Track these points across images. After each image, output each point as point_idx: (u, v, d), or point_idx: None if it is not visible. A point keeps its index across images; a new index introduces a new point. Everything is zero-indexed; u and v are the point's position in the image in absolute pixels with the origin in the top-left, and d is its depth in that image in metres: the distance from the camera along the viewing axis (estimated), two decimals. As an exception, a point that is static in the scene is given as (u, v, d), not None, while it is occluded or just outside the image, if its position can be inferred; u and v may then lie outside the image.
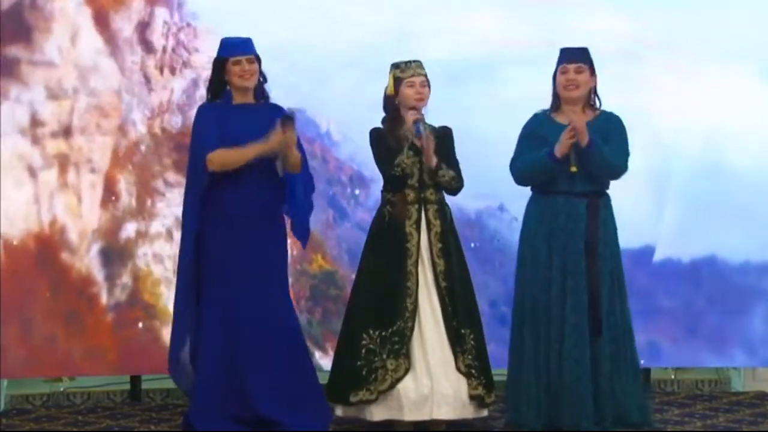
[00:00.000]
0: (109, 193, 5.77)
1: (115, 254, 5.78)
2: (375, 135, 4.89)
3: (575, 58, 4.82)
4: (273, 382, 4.73)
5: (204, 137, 4.75)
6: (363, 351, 4.73)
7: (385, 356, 4.69)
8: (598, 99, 4.91)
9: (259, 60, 4.80)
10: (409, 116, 4.76)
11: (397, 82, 4.83)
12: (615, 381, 4.81)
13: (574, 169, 4.71)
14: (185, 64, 5.83)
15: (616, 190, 5.05)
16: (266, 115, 4.75)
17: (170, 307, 5.35)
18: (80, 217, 5.75)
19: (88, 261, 5.74)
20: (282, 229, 4.90)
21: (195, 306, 4.82)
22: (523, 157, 4.85)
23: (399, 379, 4.67)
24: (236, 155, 4.67)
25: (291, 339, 4.81)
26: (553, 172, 4.76)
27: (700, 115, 5.92)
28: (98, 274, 5.75)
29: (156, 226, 5.82)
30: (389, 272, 4.79)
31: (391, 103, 4.87)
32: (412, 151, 4.77)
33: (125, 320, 5.76)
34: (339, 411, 4.86)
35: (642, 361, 5.22)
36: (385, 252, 4.83)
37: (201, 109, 4.88)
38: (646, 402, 5.06)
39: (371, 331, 4.74)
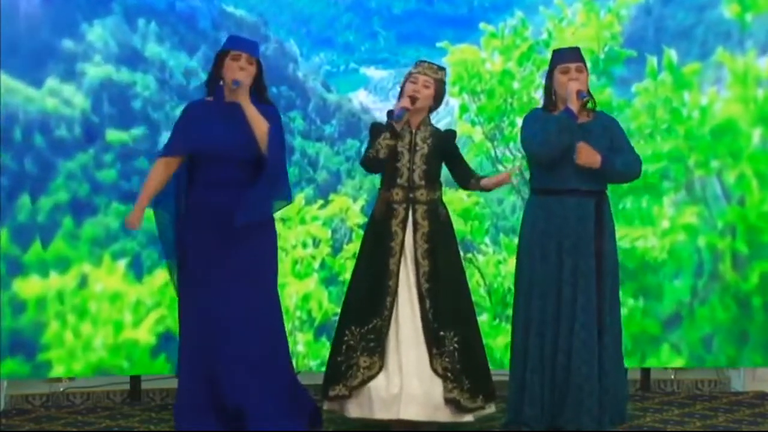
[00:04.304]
0: None
1: None
2: (372, 128, 4.97)
3: (574, 57, 4.92)
4: (247, 383, 4.73)
5: (173, 137, 4.82)
6: (344, 347, 4.82)
7: (359, 353, 4.75)
8: (593, 99, 4.93)
9: (260, 66, 4.79)
10: (400, 102, 4.82)
11: (406, 76, 4.93)
12: (616, 378, 4.89)
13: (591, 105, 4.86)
14: None
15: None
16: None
17: None
18: None
19: None
20: (267, 229, 4.85)
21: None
22: (543, 128, 4.83)
23: (371, 377, 4.72)
24: (142, 191, 4.78)
25: (267, 340, 4.81)
26: (570, 126, 4.78)
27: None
28: None
29: None
30: (373, 270, 4.85)
31: (400, 97, 4.97)
32: (389, 133, 4.78)
33: None
34: (325, 405, 4.92)
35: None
36: (371, 250, 4.90)
37: (187, 107, 4.88)
38: (627, 398, 5.22)
39: (353, 328, 4.82)
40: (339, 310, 5.58)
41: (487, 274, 5.98)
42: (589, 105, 4.88)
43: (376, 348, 4.75)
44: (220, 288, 4.72)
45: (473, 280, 5.73)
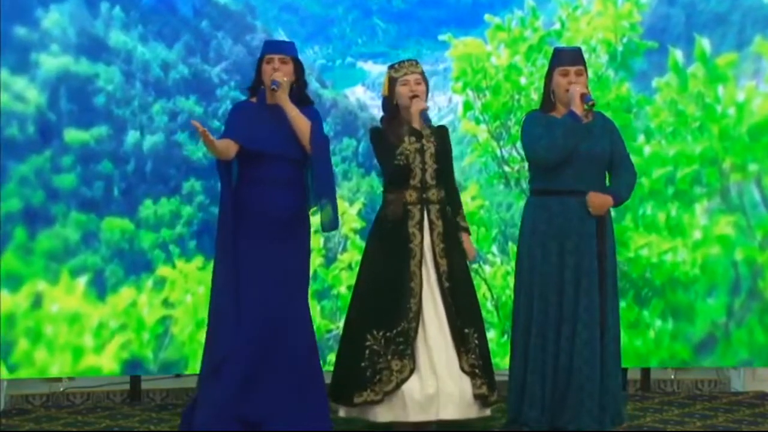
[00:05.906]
0: None
1: None
2: (375, 133, 5.09)
3: (575, 60, 5.00)
4: (279, 387, 4.84)
5: (227, 129, 4.96)
6: (367, 352, 4.90)
7: (389, 357, 4.88)
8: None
9: (298, 65, 5.01)
10: (415, 105, 4.94)
11: (391, 82, 5.05)
12: (615, 379, 5.02)
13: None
14: None
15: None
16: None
17: None
18: None
19: None
20: (305, 231, 5.04)
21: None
22: (547, 132, 4.95)
23: (404, 380, 4.86)
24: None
25: (303, 345, 4.92)
26: (576, 130, 4.93)
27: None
28: None
29: None
30: (392, 273, 4.97)
31: (389, 104, 5.09)
32: (414, 137, 4.95)
33: None
34: (342, 412, 5.03)
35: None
36: (387, 253, 5.00)
37: (232, 108, 5.13)
38: (625, 398, 5.51)
39: (375, 332, 4.91)
40: (332, 327, 5.81)
41: (494, 287, 5.87)
42: (586, 106, 4.95)
43: (406, 351, 4.87)
44: (269, 286, 4.86)
45: (480, 292, 5.53)
